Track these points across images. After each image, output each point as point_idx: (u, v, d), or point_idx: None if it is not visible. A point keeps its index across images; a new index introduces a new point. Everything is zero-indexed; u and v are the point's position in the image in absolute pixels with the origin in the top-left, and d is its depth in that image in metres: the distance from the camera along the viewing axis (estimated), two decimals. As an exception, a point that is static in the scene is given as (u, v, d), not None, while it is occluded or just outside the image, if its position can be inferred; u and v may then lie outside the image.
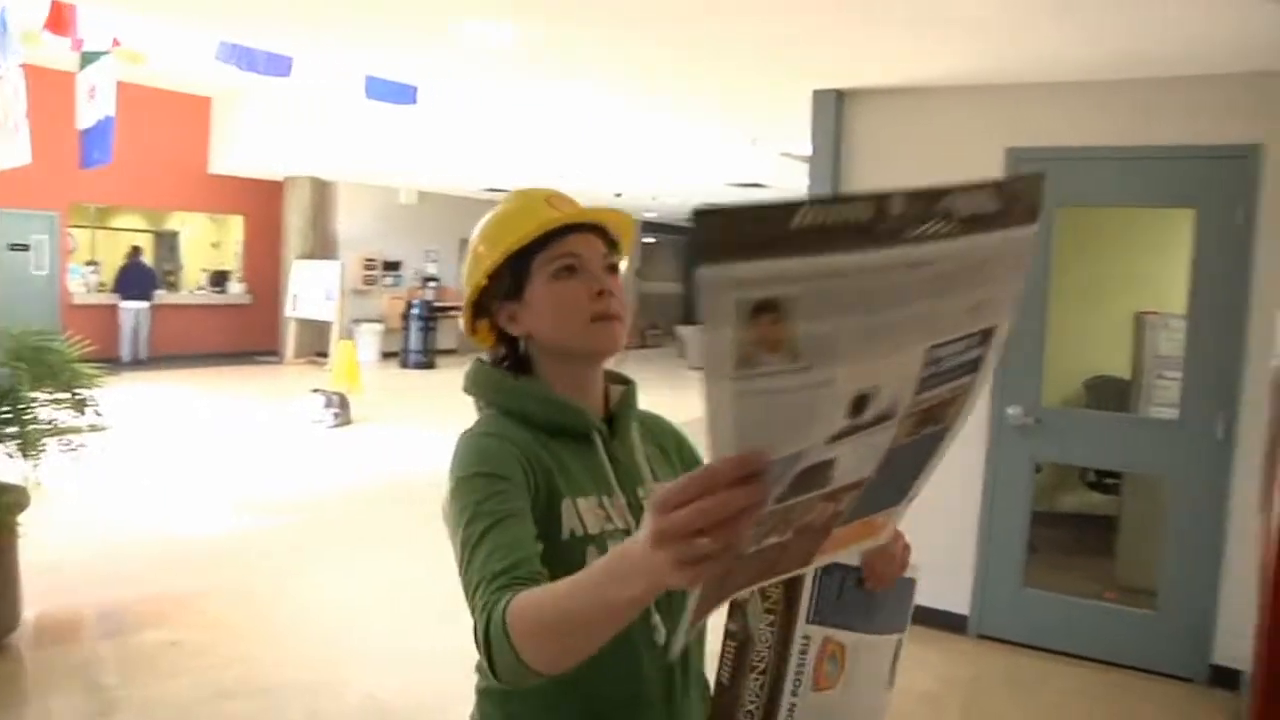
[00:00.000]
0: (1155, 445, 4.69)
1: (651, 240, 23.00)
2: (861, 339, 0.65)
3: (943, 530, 4.89)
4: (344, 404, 10.54)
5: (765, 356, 0.62)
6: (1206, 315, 4.47)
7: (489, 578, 1.11)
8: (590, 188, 14.16)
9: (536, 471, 1.28)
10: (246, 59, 7.41)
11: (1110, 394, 6.22)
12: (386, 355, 16.99)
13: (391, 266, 17.95)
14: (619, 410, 1.43)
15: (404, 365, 16.61)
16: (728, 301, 0.59)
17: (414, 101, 7.83)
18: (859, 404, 0.69)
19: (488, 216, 1.42)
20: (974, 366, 0.79)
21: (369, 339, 16.59)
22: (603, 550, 1.26)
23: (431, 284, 17.94)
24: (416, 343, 16.69)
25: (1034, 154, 4.66)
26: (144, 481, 7.56)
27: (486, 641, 1.04)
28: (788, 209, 0.58)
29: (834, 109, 4.97)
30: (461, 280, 1.45)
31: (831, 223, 0.60)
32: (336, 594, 5.41)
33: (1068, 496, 6.67)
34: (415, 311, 16.77)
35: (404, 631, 4.79)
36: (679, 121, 6.75)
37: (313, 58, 6.91)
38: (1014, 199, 0.71)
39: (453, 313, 17.61)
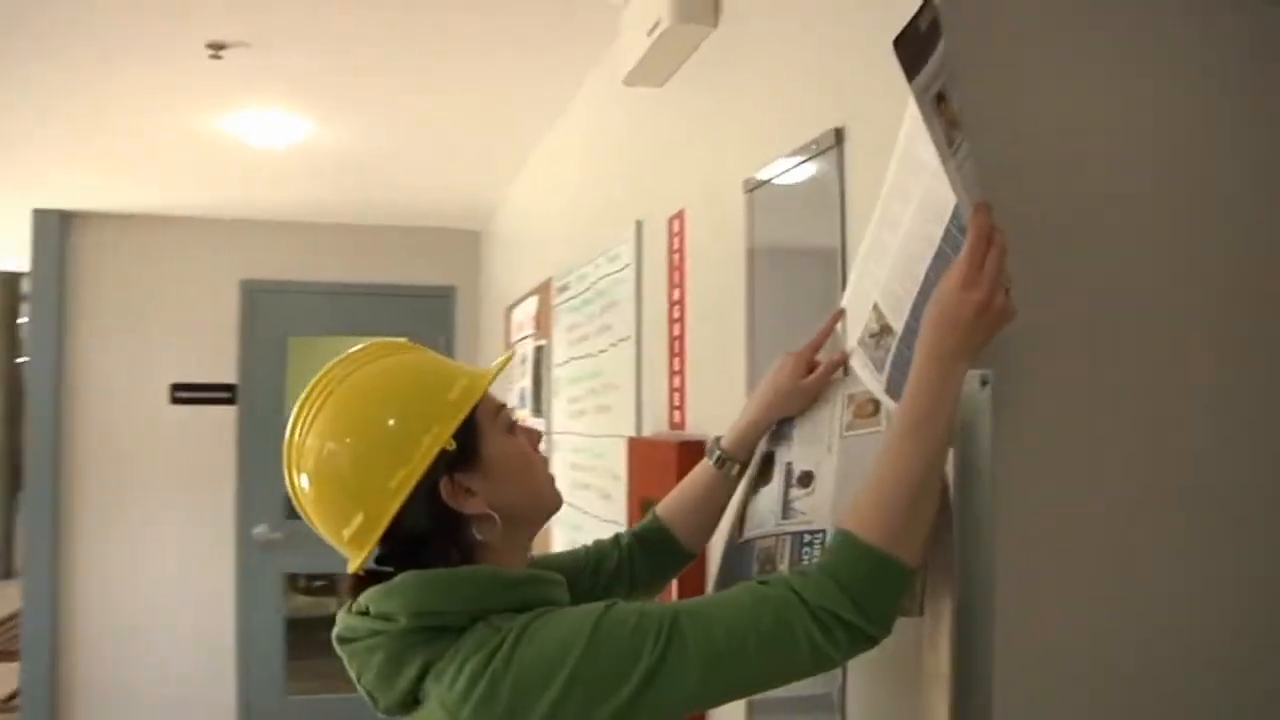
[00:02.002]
0: None
1: None
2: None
3: (201, 654, 4.84)
4: None
5: (953, 134, 0.96)
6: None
7: (774, 582, 1.00)
8: None
9: None
10: None
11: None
12: None
13: None
14: None
15: None
16: (927, 102, 0.93)
17: None
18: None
19: (393, 372, 1.10)
20: None
21: None
22: None
23: None
24: None
25: (267, 286, 5.01)
26: None
27: (867, 591, 0.96)
28: (913, 22, 0.93)
29: (57, 230, 4.66)
30: (374, 458, 1.05)
31: (929, 21, 0.95)
32: None
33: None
34: None
35: None
36: None
37: None
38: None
39: None
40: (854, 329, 1.26)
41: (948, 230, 1.06)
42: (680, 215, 2.13)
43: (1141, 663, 1.20)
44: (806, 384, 1.30)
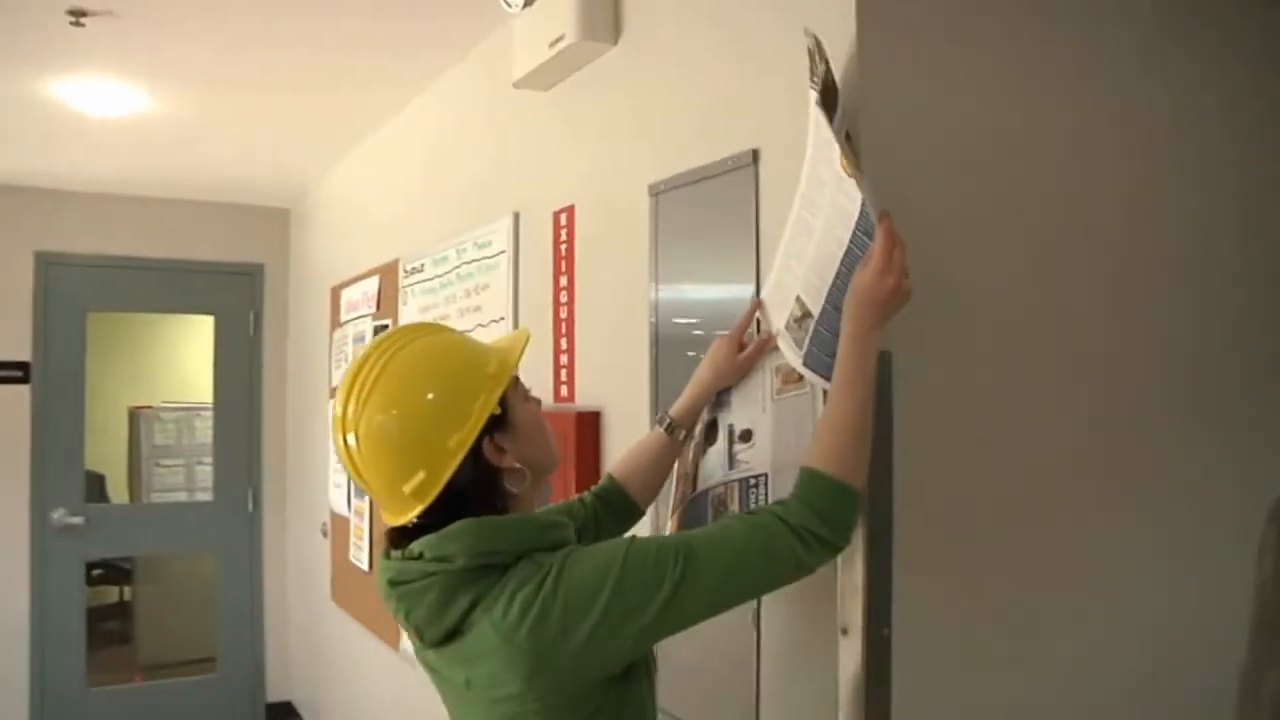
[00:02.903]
0: (201, 526, 5.17)
1: None
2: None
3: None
4: None
5: (855, 172, 1.28)
6: (230, 407, 5.17)
7: (760, 511, 1.27)
8: None
9: None
10: None
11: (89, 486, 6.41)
12: None
13: None
14: None
15: None
16: (842, 138, 1.28)
17: None
18: None
19: (437, 350, 1.28)
20: None
21: None
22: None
23: None
24: None
25: (67, 259, 4.77)
26: None
27: (832, 511, 1.25)
28: (825, 83, 1.32)
29: None
30: (431, 423, 1.23)
31: (832, 81, 1.37)
32: None
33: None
34: None
35: None
36: None
37: None
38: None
39: None
40: (779, 317, 1.55)
41: (854, 234, 1.36)
42: (569, 210, 2.36)
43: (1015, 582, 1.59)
44: (741, 360, 1.58)
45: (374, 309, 3.78)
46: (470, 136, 3.04)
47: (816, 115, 1.38)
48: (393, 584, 1.26)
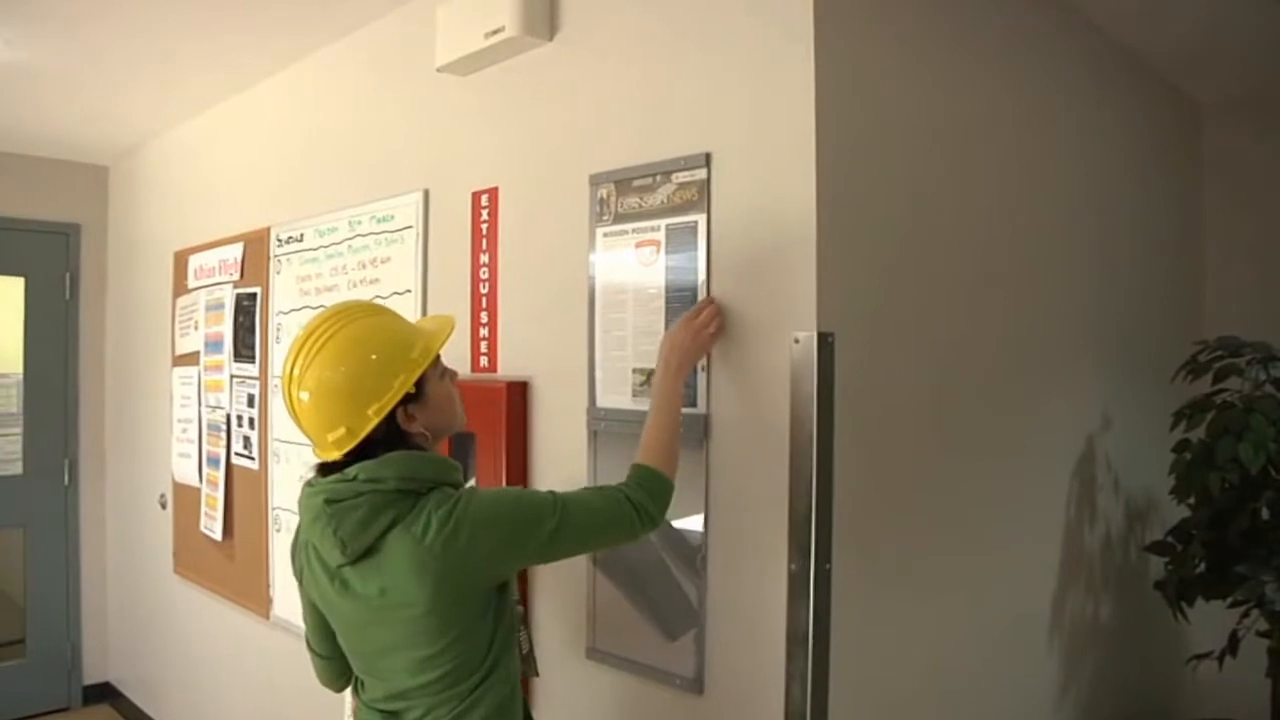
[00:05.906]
0: (9, 500, 4.84)
1: None
2: None
3: None
4: None
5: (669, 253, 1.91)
6: (42, 374, 4.89)
7: (609, 489, 1.65)
8: None
9: None
10: None
11: None
12: None
13: None
14: None
15: None
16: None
17: None
18: None
19: (373, 331, 1.58)
20: None
21: None
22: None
23: None
24: None
25: None
26: None
27: (659, 496, 1.66)
28: None
29: None
30: (357, 392, 1.53)
31: None
32: None
33: None
34: None
35: None
36: None
37: None
38: None
39: None
40: (621, 393, 2.03)
41: (668, 298, 1.91)
42: (492, 191, 2.50)
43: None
44: None
45: (236, 276, 3.74)
46: (366, 113, 3.08)
47: (609, 242, 2.00)
48: (329, 501, 1.53)
